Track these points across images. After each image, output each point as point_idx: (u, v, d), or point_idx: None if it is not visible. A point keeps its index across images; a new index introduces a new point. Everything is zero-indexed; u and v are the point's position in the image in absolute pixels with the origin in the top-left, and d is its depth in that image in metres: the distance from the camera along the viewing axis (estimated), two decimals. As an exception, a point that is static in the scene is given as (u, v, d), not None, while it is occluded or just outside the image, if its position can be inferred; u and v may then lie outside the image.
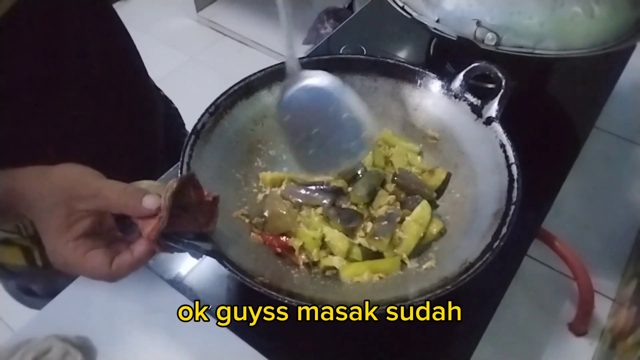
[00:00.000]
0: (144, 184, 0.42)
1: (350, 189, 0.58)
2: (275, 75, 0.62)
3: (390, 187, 0.58)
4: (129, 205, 0.40)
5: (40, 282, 0.69)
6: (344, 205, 0.56)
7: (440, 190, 0.59)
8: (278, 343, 0.53)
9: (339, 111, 0.52)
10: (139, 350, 0.53)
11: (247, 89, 0.60)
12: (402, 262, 0.54)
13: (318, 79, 0.52)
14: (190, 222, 0.42)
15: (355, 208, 0.56)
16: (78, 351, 0.50)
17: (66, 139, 0.56)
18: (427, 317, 0.54)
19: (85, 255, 0.40)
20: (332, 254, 0.54)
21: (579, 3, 0.63)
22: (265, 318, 0.54)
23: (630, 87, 1.01)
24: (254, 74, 0.61)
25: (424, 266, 0.52)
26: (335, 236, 0.54)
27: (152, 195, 0.40)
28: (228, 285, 0.57)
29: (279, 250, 0.54)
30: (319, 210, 0.56)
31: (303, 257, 0.54)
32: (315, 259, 0.54)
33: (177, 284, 0.57)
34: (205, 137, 0.56)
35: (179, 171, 0.51)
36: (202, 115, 0.56)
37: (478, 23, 0.64)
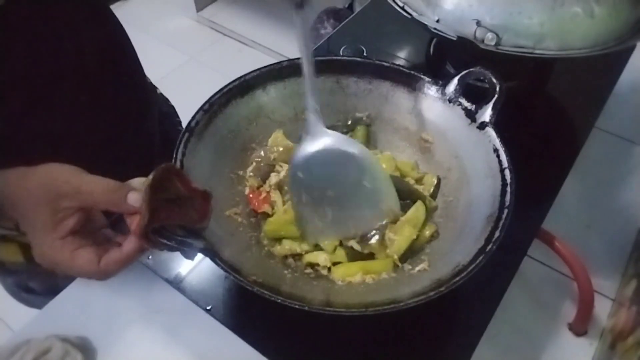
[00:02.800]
0: (135, 181, 0.41)
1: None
2: (270, 74, 0.62)
3: None
4: (112, 201, 0.39)
5: (38, 279, 0.69)
6: None
7: (433, 194, 0.59)
8: (278, 343, 0.53)
9: (359, 177, 0.52)
10: (139, 350, 0.53)
11: (242, 87, 0.60)
12: (395, 263, 0.53)
13: (340, 141, 0.52)
14: (182, 216, 0.42)
15: None
16: (78, 351, 0.50)
17: (60, 137, 0.55)
18: (427, 318, 0.54)
19: (73, 252, 0.39)
20: (319, 249, 0.54)
21: (579, 3, 0.63)
22: (265, 318, 0.54)
23: (630, 87, 1.02)
24: (249, 72, 0.61)
25: (417, 268, 0.52)
26: None
27: (136, 192, 0.40)
28: (228, 286, 0.57)
29: (256, 206, 0.56)
30: None
31: (287, 248, 0.54)
32: (298, 251, 0.54)
33: (177, 284, 0.57)
34: (199, 135, 0.55)
35: None
36: (196, 113, 0.56)
37: (478, 23, 0.64)
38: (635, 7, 0.66)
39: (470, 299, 0.57)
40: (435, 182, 0.59)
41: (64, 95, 0.55)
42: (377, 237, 0.53)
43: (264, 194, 0.58)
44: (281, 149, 0.60)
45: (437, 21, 0.66)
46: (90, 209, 0.41)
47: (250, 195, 0.58)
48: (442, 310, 0.56)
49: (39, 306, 0.56)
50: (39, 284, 0.70)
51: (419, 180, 0.60)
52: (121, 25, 0.64)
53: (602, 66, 0.84)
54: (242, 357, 0.52)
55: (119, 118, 0.64)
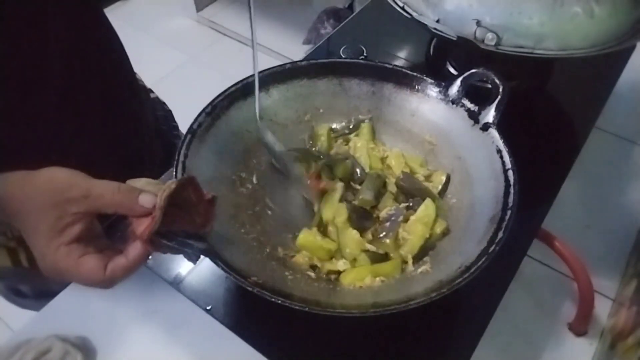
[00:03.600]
0: (141, 181, 0.41)
1: (357, 186, 0.58)
2: (273, 77, 0.62)
3: (393, 188, 0.58)
4: (124, 204, 0.39)
5: (28, 283, 0.68)
6: (354, 202, 0.56)
7: (441, 192, 0.59)
8: (278, 343, 0.53)
9: None
10: (138, 350, 0.53)
11: (244, 90, 0.60)
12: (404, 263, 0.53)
13: None
14: (187, 222, 0.42)
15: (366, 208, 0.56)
16: (78, 351, 0.50)
17: (50, 142, 0.54)
18: (427, 318, 0.54)
19: (79, 260, 0.38)
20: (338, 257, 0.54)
21: (579, 3, 0.63)
22: (265, 318, 0.54)
23: (630, 87, 1.02)
24: (252, 75, 0.61)
25: (420, 270, 0.52)
26: (353, 238, 0.53)
27: (148, 194, 0.39)
28: (228, 286, 0.57)
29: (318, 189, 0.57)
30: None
31: (306, 259, 0.54)
32: (315, 262, 0.54)
33: (177, 284, 0.57)
34: (202, 137, 0.55)
35: (174, 170, 0.51)
36: (199, 115, 0.56)
37: (478, 23, 0.64)
38: (635, 7, 0.66)
39: (470, 299, 0.57)
40: (444, 179, 0.59)
41: (52, 100, 0.54)
42: (390, 235, 0.53)
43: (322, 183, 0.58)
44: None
45: (437, 21, 0.66)
46: (94, 214, 0.40)
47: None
48: (442, 310, 0.56)
49: (32, 309, 0.56)
50: (29, 288, 0.69)
51: (427, 178, 0.60)
52: (112, 27, 0.63)
53: (602, 66, 0.84)
54: (242, 357, 0.52)
55: (109, 120, 0.62)
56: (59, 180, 0.39)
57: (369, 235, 0.55)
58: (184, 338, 0.53)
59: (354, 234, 0.54)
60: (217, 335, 0.53)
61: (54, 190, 0.38)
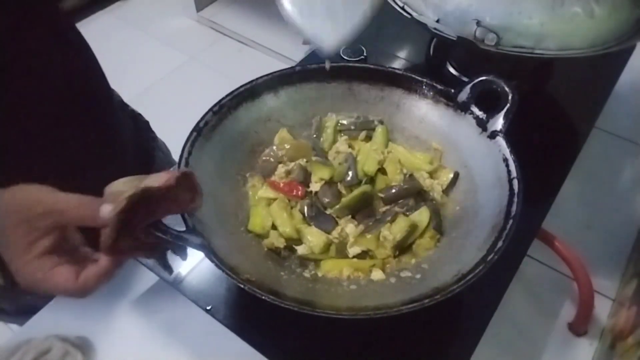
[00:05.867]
0: (119, 182, 0.41)
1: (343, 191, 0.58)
2: (282, 79, 0.62)
3: (378, 199, 0.58)
4: (86, 217, 0.39)
5: (8, 301, 0.67)
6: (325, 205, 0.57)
7: (447, 190, 0.59)
8: (278, 343, 0.53)
9: None
10: (138, 350, 0.53)
11: (252, 91, 0.60)
12: (385, 263, 0.54)
13: None
14: (168, 207, 0.41)
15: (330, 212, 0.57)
16: (78, 351, 0.50)
17: (33, 157, 0.54)
18: (427, 317, 0.54)
19: (50, 272, 0.39)
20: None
21: (579, 3, 0.63)
22: (265, 318, 0.54)
23: (630, 87, 1.02)
24: (261, 77, 0.61)
25: (417, 276, 0.52)
26: (312, 231, 0.55)
27: (108, 204, 0.39)
28: (228, 286, 0.57)
29: (286, 193, 0.57)
30: (299, 206, 0.57)
31: (280, 240, 0.54)
32: (276, 244, 0.54)
33: (177, 284, 0.57)
34: (207, 136, 0.56)
35: (177, 166, 0.51)
36: (206, 114, 0.56)
37: (478, 23, 0.64)
38: (635, 7, 0.66)
39: (470, 299, 0.57)
40: (452, 176, 0.59)
41: (28, 119, 0.53)
42: (373, 232, 0.54)
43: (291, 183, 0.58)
44: (288, 146, 0.61)
45: (437, 21, 0.66)
46: (66, 227, 0.41)
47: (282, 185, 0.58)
48: (443, 310, 0.55)
49: (16, 322, 0.56)
50: (9, 305, 0.68)
51: (432, 173, 0.60)
52: (87, 45, 0.62)
53: (602, 66, 0.84)
54: (242, 357, 0.52)
55: (86, 139, 0.61)
56: (25, 197, 0.40)
57: (362, 227, 0.55)
58: (184, 338, 0.53)
59: (314, 229, 0.55)
60: (217, 335, 0.53)
61: (20, 207, 0.39)
